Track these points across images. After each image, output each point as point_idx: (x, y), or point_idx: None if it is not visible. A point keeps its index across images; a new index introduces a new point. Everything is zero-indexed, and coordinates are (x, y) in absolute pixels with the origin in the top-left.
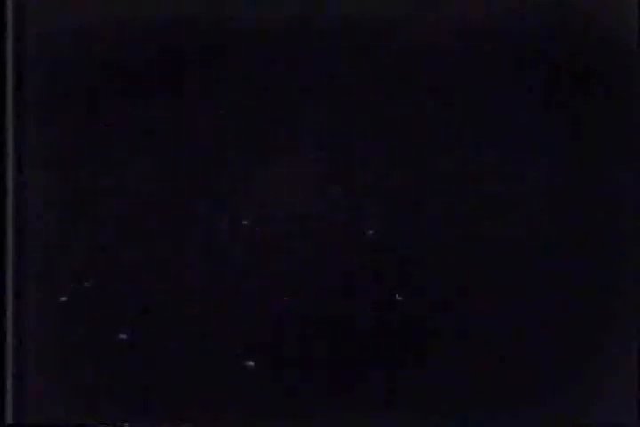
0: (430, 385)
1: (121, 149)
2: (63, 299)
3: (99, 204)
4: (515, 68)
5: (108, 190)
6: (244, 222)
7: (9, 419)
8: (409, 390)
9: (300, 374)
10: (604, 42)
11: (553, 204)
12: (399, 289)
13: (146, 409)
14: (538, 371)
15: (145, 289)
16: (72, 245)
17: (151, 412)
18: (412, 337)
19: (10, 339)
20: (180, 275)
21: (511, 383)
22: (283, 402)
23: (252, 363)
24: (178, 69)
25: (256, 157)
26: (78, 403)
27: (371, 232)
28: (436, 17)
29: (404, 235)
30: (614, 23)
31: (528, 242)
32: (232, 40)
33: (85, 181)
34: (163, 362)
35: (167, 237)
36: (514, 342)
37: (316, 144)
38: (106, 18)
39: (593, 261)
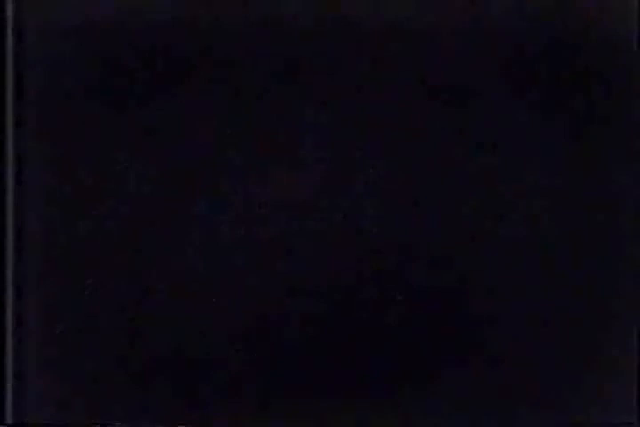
0: (430, 385)
1: (121, 148)
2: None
3: (99, 204)
4: (515, 68)
5: (108, 190)
6: (244, 222)
7: (9, 419)
8: (409, 390)
9: (299, 374)
10: (604, 42)
11: (553, 204)
12: (399, 289)
13: (146, 409)
14: (538, 371)
15: (145, 289)
16: (72, 245)
17: (151, 412)
18: (412, 337)
19: (10, 339)
20: (181, 274)
21: (511, 383)
22: (282, 402)
23: None
24: (178, 69)
25: (256, 158)
26: (78, 403)
27: (371, 232)
28: (436, 17)
29: (405, 235)
30: (614, 23)
31: (528, 242)
32: (233, 39)
33: (85, 181)
34: (163, 362)
35: (167, 237)
36: (514, 342)
37: (316, 144)
38: (106, 17)
39: (593, 261)
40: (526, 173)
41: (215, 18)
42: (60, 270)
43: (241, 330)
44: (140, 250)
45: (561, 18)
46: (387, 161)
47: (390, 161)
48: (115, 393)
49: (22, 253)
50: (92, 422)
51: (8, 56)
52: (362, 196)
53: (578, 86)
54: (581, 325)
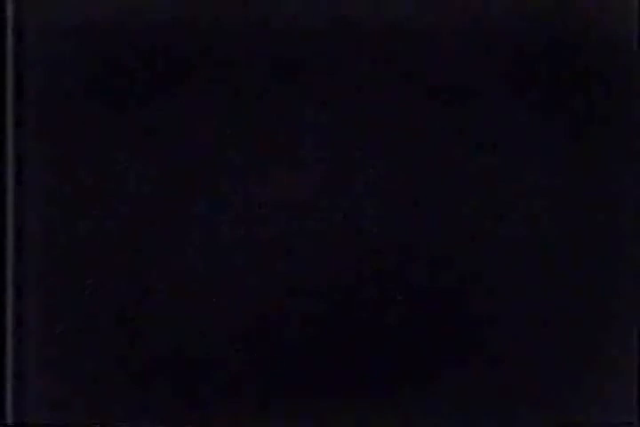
0: (430, 385)
1: (121, 148)
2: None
3: (99, 204)
4: (515, 68)
5: (108, 190)
6: (244, 222)
7: (9, 419)
8: (409, 390)
9: (299, 374)
10: (604, 42)
11: (553, 204)
12: (399, 289)
13: (146, 409)
14: (538, 371)
15: (145, 289)
16: (72, 245)
17: (151, 412)
18: (412, 337)
19: (10, 339)
20: (181, 274)
21: (511, 383)
22: (282, 402)
23: None
24: (178, 69)
25: (256, 158)
26: (78, 403)
27: (371, 232)
28: (436, 17)
29: (405, 235)
30: (614, 23)
31: (528, 242)
32: (233, 39)
33: (85, 181)
34: (163, 361)
35: (167, 237)
36: (514, 342)
37: (315, 144)
38: (106, 17)
39: (593, 261)
40: (526, 173)
41: (215, 18)
42: (60, 270)
43: (241, 330)
44: (140, 250)
45: (561, 18)
46: (387, 161)
47: (390, 161)
48: (115, 393)
49: (22, 253)
50: (91, 422)
51: (8, 56)
52: (362, 196)
53: (578, 86)
54: (581, 325)
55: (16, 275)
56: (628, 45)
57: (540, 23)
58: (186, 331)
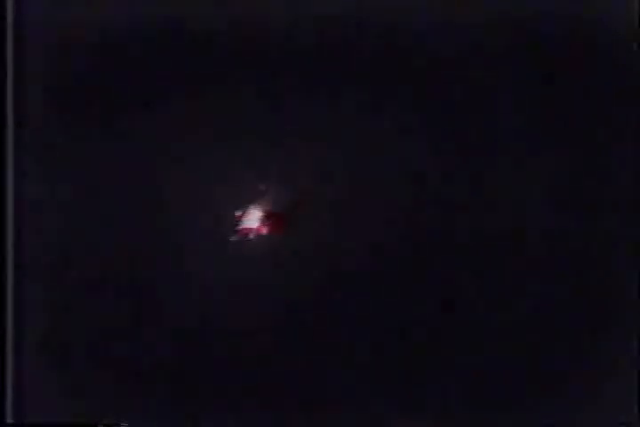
0: (430, 385)
1: (122, 148)
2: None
3: (99, 203)
4: (515, 68)
5: (108, 190)
6: (245, 222)
7: (9, 419)
8: (409, 390)
9: (300, 374)
10: (604, 42)
11: (553, 204)
12: (398, 289)
13: (146, 409)
14: (538, 371)
15: (145, 288)
16: (72, 245)
17: (151, 412)
18: (412, 337)
19: (10, 339)
20: (180, 274)
21: (511, 383)
22: (283, 402)
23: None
24: (179, 69)
25: (256, 158)
26: (78, 403)
27: (372, 231)
28: (437, 17)
29: (405, 235)
30: (614, 23)
31: (528, 242)
32: (233, 39)
33: (85, 181)
34: (163, 362)
35: (167, 236)
36: (514, 343)
37: (316, 144)
38: (108, 17)
39: (593, 261)
40: (526, 172)
41: (215, 18)
42: (60, 270)
43: (241, 330)
44: (141, 250)
45: (562, 18)
46: (387, 161)
47: (392, 162)
48: (115, 393)
49: (22, 253)
50: (92, 422)
51: (8, 56)
52: (363, 196)
53: (578, 86)
54: (581, 325)
55: (16, 275)
56: (628, 45)
57: (541, 23)
58: (187, 330)
